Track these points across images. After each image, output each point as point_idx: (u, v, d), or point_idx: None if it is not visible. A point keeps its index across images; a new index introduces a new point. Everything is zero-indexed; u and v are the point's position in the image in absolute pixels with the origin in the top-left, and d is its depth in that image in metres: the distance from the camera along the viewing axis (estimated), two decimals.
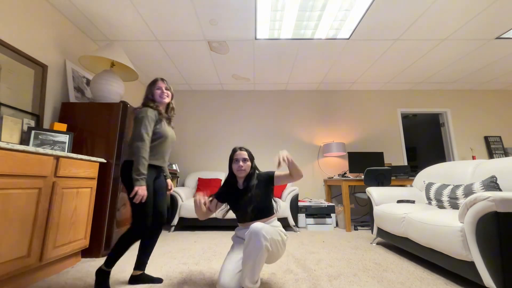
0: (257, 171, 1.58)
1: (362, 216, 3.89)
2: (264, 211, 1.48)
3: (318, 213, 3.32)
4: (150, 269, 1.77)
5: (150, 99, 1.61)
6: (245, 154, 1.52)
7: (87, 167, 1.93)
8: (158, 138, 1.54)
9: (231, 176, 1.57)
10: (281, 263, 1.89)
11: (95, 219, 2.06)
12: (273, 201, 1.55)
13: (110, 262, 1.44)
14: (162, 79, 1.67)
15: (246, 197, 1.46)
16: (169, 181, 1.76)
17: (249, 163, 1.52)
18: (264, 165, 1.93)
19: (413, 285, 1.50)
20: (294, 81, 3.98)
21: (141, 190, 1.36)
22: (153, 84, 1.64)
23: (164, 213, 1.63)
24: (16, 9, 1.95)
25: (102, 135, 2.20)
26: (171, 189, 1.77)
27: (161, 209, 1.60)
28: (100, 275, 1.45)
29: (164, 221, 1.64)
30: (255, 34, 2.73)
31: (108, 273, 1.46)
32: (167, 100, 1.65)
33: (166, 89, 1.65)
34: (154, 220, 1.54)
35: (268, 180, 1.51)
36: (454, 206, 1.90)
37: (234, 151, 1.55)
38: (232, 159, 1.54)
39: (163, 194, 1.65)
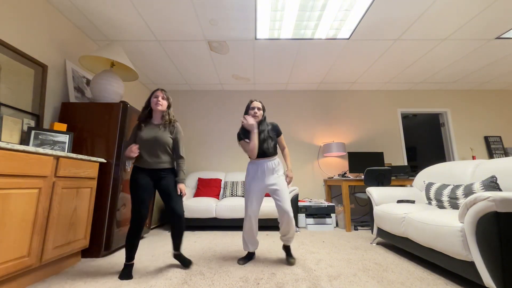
0: (266, 120, 2.02)
1: (362, 216, 3.89)
2: (270, 150, 1.91)
3: (318, 213, 3.32)
4: (151, 269, 1.78)
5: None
6: (259, 104, 1.95)
7: (87, 167, 1.93)
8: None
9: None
10: (281, 263, 1.89)
11: (95, 219, 2.06)
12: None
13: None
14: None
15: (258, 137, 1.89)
16: (180, 185, 1.81)
17: (261, 112, 1.95)
18: None
19: (413, 285, 1.51)
20: (294, 81, 3.98)
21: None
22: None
23: (174, 210, 1.77)
24: (16, 9, 1.95)
25: (102, 135, 2.21)
26: (182, 194, 1.82)
27: (173, 206, 1.78)
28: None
29: (175, 216, 1.78)
30: (255, 34, 2.73)
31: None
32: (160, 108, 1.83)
33: (163, 98, 1.84)
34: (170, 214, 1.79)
35: (277, 132, 2.00)
36: (454, 206, 1.90)
37: (250, 101, 1.97)
38: (248, 107, 1.96)
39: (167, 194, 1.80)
